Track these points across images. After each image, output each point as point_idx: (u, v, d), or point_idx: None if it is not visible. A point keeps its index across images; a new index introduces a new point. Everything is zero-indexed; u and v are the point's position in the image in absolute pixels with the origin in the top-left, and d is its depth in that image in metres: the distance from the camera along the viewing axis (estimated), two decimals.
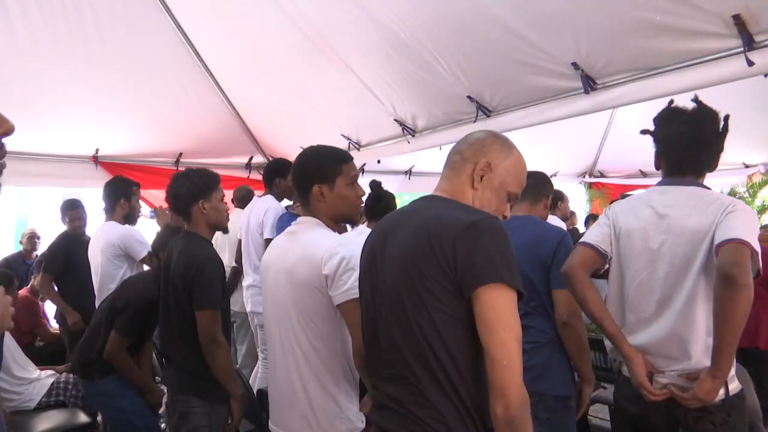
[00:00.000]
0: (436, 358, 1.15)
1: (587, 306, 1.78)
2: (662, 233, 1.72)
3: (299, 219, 1.84)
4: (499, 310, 1.12)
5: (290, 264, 1.73)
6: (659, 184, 1.86)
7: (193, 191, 2.24)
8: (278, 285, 1.76)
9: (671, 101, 1.89)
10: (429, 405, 1.16)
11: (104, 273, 3.39)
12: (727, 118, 1.77)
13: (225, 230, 2.42)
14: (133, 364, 2.68)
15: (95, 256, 3.47)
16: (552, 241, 2.14)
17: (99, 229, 3.57)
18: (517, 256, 2.26)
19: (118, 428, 2.94)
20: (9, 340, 3.42)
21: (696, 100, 1.82)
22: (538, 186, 2.36)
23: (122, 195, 3.49)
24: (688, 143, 1.77)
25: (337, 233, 1.80)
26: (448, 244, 1.16)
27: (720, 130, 1.77)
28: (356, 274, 1.52)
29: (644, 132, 1.91)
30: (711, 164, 1.80)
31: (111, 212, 3.50)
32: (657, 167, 1.90)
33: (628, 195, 1.94)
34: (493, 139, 1.35)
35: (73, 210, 4.16)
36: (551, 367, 2.11)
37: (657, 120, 1.85)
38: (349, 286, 1.57)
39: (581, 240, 1.91)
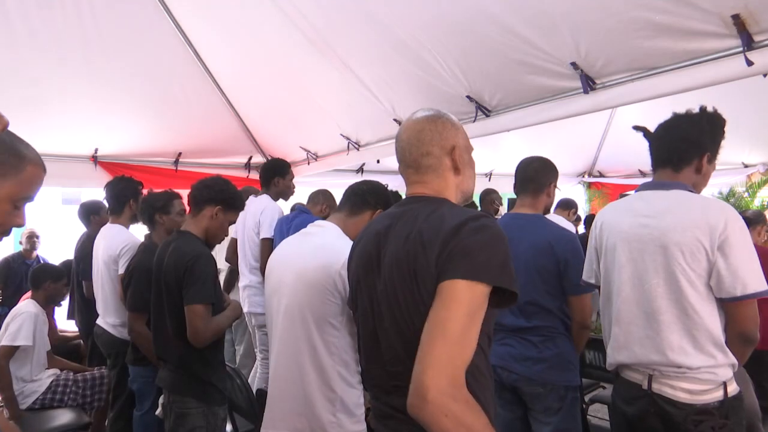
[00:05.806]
0: None
1: None
2: (645, 244, 1.71)
3: (319, 222, 1.89)
4: (452, 312, 1.03)
5: (301, 264, 1.74)
6: (642, 187, 1.86)
7: (221, 196, 2.30)
8: (283, 283, 1.77)
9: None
10: None
11: (113, 281, 3.18)
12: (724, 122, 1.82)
13: (211, 247, 2.38)
14: None
15: (100, 262, 3.23)
16: (564, 246, 2.18)
17: (107, 233, 3.30)
18: (527, 258, 2.27)
19: None
20: (45, 348, 3.41)
21: (702, 107, 1.84)
22: (538, 176, 2.36)
23: (131, 195, 3.34)
24: (679, 136, 1.79)
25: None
26: (439, 246, 1.11)
27: (713, 134, 1.78)
28: None
29: (637, 128, 1.92)
30: (691, 161, 1.79)
31: (118, 214, 3.31)
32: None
33: (627, 195, 1.94)
34: (441, 123, 1.30)
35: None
36: (561, 359, 2.18)
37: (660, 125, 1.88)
38: None
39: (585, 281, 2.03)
